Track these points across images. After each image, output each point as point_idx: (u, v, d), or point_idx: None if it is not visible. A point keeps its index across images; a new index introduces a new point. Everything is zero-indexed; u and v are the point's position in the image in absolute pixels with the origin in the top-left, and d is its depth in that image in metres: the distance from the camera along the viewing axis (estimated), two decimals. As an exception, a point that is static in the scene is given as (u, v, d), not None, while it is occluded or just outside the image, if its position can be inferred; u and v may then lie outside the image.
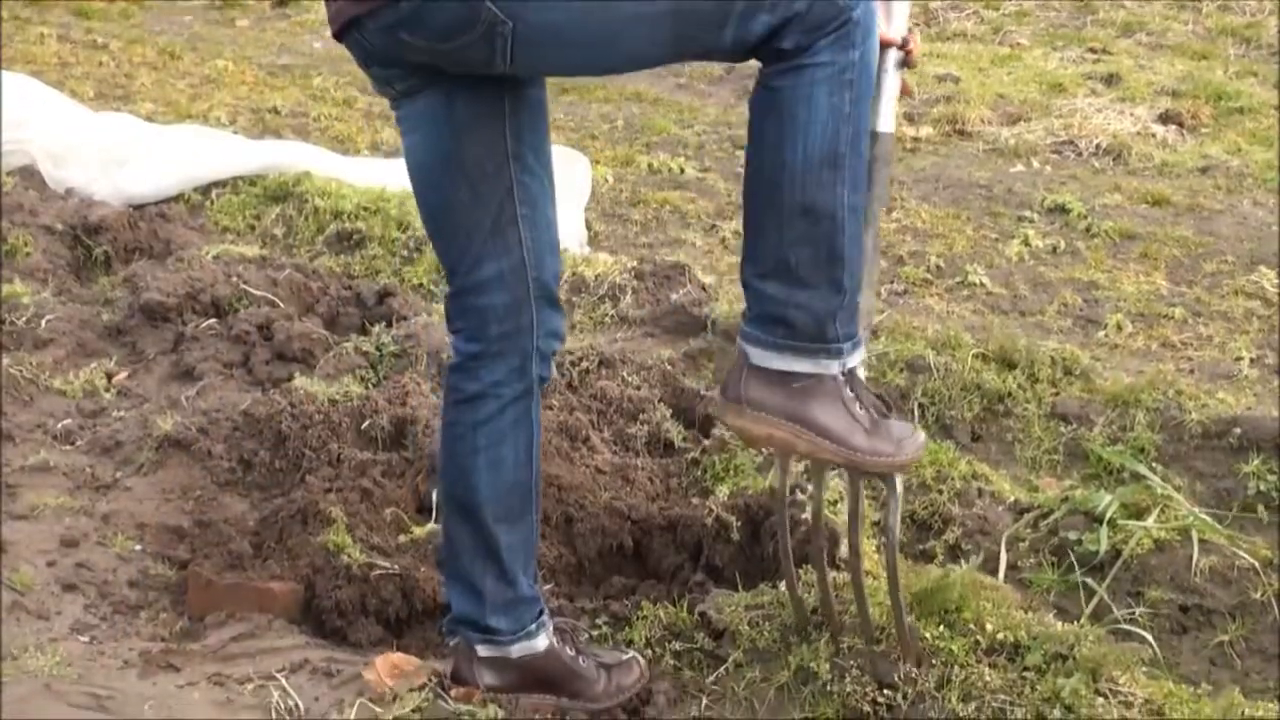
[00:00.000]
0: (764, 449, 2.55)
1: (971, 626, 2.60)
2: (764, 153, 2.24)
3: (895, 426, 2.39)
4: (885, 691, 2.52)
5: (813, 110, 2.17)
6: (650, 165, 6.66)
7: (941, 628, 2.59)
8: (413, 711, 2.57)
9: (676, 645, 2.90)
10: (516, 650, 2.64)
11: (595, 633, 3.00)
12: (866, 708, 2.52)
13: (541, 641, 2.66)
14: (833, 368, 2.31)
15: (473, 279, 2.42)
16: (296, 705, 2.64)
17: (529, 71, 2.29)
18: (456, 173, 2.34)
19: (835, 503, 3.26)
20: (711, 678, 2.78)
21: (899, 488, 2.44)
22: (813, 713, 2.59)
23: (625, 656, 2.77)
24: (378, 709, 2.58)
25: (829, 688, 2.58)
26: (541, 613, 2.67)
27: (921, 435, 2.42)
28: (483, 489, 2.52)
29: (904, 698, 2.50)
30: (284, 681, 2.70)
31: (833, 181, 2.21)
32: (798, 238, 2.23)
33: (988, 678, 2.49)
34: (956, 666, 2.52)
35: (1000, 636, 2.58)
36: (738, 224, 5.86)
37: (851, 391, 2.34)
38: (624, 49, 2.16)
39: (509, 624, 2.62)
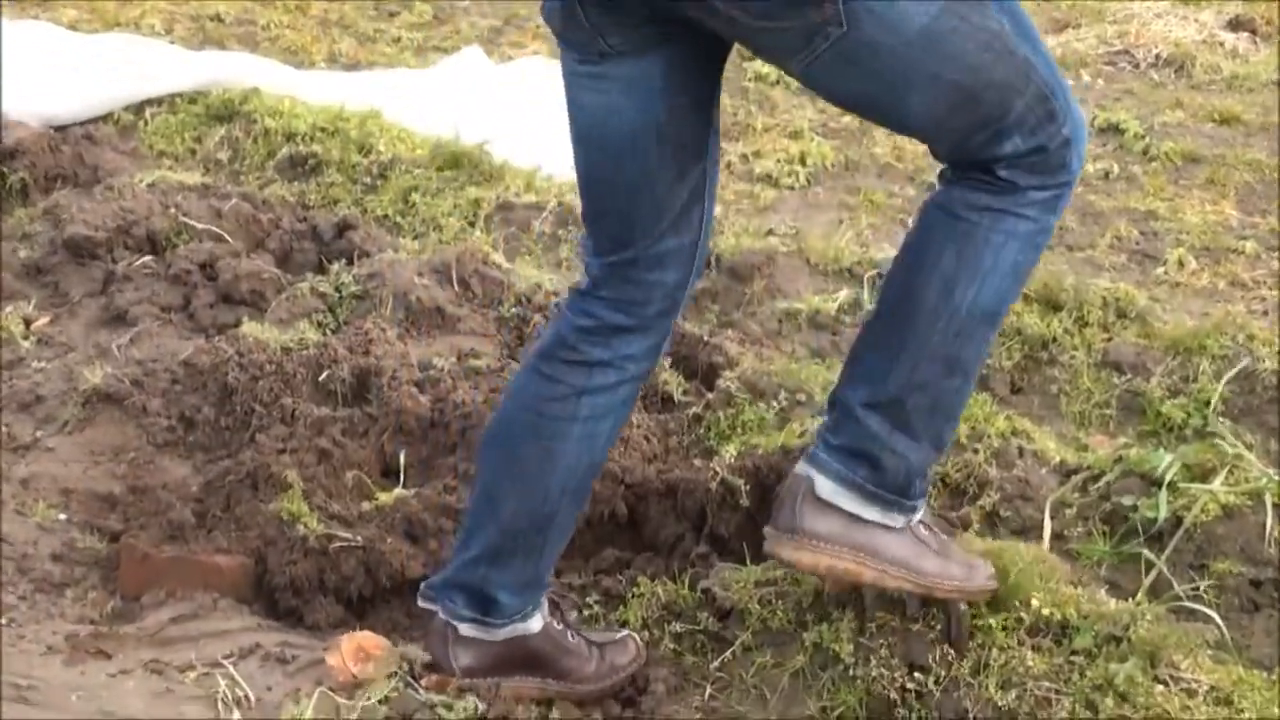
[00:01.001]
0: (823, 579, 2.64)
1: (1014, 603, 2.59)
2: (932, 281, 2.30)
3: (958, 549, 2.50)
4: (916, 675, 2.52)
5: (998, 262, 2.26)
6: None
7: (978, 605, 2.58)
8: (380, 703, 2.56)
9: (677, 626, 2.89)
10: (505, 632, 2.62)
11: (586, 613, 2.99)
12: (894, 694, 2.52)
13: (535, 623, 2.65)
14: (899, 522, 2.41)
15: (651, 252, 2.45)
16: (246, 696, 2.63)
17: (814, 82, 2.31)
18: (665, 145, 2.35)
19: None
20: (716, 663, 2.77)
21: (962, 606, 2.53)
22: (831, 701, 2.58)
23: (618, 635, 2.77)
24: (340, 700, 2.57)
25: (851, 672, 2.57)
26: (542, 593, 2.67)
27: (988, 565, 2.52)
28: (568, 458, 2.52)
29: (936, 682, 2.49)
30: (232, 669, 2.69)
31: (984, 339, 2.33)
32: (927, 381, 2.32)
33: (1030, 662, 2.48)
34: (995, 649, 2.51)
35: (1045, 615, 2.57)
36: (744, 146, 5.84)
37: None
38: (913, 103, 2.21)
39: (516, 603, 2.61)
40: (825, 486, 2.39)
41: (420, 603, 2.72)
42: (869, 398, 2.36)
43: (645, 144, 2.35)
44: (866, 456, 2.37)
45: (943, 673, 2.51)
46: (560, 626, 2.71)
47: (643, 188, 2.39)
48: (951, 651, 2.52)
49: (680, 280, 2.50)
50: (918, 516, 2.44)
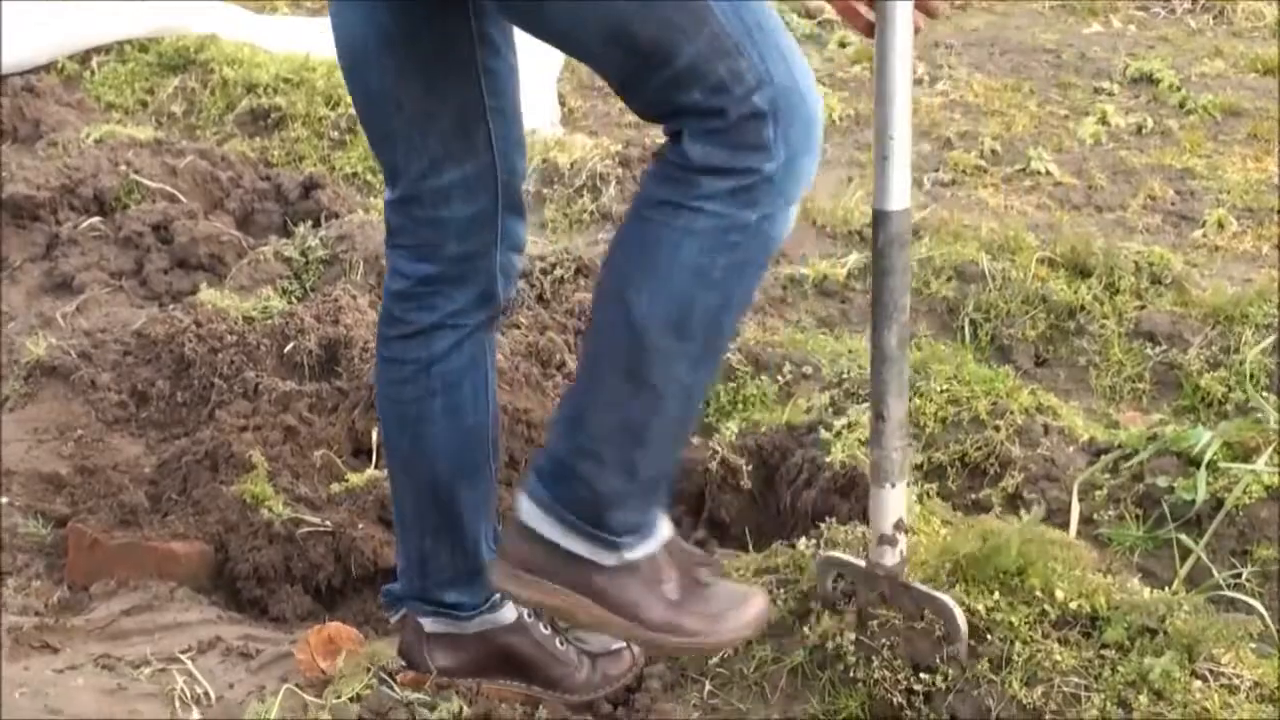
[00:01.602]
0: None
1: (1038, 594, 2.58)
2: (607, 287, 2.19)
3: (721, 593, 2.32)
4: (922, 676, 2.51)
5: (674, 264, 2.10)
6: (638, 25, 6.59)
7: (998, 596, 2.58)
8: (351, 700, 2.55)
9: (674, 618, 2.88)
10: (476, 624, 2.63)
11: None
12: (899, 698, 2.52)
13: (507, 613, 2.65)
14: (608, 559, 2.24)
15: (427, 185, 2.38)
16: (206, 693, 2.63)
17: None
18: (406, 56, 2.29)
19: (866, 442, 3.25)
20: (715, 659, 2.77)
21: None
22: (833, 705, 2.58)
23: (614, 645, 2.76)
24: (308, 697, 2.57)
25: (853, 673, 2.58)
26: None
27: (757, 605, 2.34)
28: (440, 438, 2.51)
29: (945, 680, 2.49)
30: (190, 664, 2.68)
31: (679, 355, 2.14)
32: (609, 399, 2.17)
33: (1058, 656, 2.48)
34: (1019, 643, 2.50)
35: (1074, 606, 2.57)
36: (747, 98, 5.84)
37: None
38: (561, 23, 2.09)
39: (471, 597, 2.61)
40: (526, 509, 2.25)
41: (387, 611, 2.74)
42: (562, 409, 2.26)
43: (376, 53, 2.29)
44: (558, 478, 2.23)
45: (954, 672, 2.50)
46: (547, 631, 2.70)
47: (389, 106, 2.33)
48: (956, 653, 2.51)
49: (479, 214, 2.40)
50: (633, 555, 2.26)
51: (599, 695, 2.71)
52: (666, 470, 2.26)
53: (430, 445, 2.51)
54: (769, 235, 2.12)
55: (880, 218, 2.33)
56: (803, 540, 2.87)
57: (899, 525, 2.47)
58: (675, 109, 2.07)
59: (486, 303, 2.47)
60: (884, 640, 2.56)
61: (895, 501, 2.45)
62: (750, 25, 2.04)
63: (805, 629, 2.66)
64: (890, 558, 2.49)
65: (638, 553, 2.26)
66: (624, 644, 2.78)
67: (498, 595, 2.63)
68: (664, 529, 2.31)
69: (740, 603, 2.32)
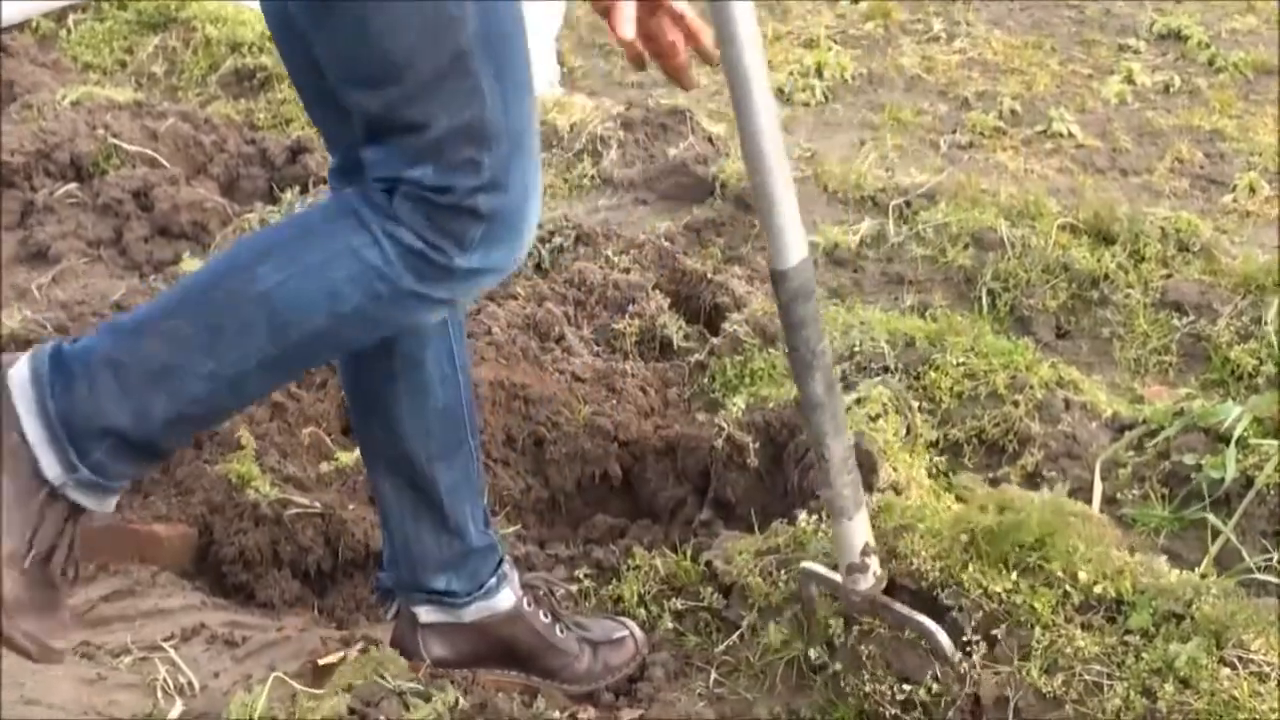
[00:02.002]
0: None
1: (1059, 574, 2.58)
2: (260, 240, 2.20)
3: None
4: (913, 690, 2.52)
5: (324, 269, 2.11)
6: (641, -20, 6.57)
7: (1016, 577, 2.58)
8: (342, 690, 2.55)
9: (678, 603, 2.89)
10: (471, 612, 2.64)
11: (575, 588, 2.99)
12: (891, 710, 2.53)
13: (504, 599, 2.65)
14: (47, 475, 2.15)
15: (357, 156, 2.36)
16: (190, 683, 2.63)
17: None
18: (293, 31, 2.24)
19: (877, 418, 3.25)
20: (721, 646, 2.77)
21: None
22: (828, 715, 2.60)
23: (617, 634, 2.76)
24: (296, 686, 2.57)
25: (842, 683, 2.59)
26: (501, 562, 2.66)
27: None
28: (406, 421, 2.51)
29: (929, 693, 2.50)
30: (173, 653, 2.68)
31: (254, 341, 2.13)
32: (174, 332, 2.14)
33: (1080, 643, 2.48)
34: (1039, 628, 2.50)
35: (1097, 590, 2.57)
36: (755, 57, 5.82)
37: None
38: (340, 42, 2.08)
39: (462, 583, 2.62)
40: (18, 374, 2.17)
41: (380, 602, 2.75)
42: (120, 317, 2.21)
43: (285, 20, 2.26)
44: (72, 373, 2.16)
45: (944, 687, 2.51)
46: (547, 619, 2.70)
47: (309, 73, 2.30)
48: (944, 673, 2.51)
49: None
50: (71, 480, 2.17)
51: (600, 685, 2.72)
52: (155, 431, 2.16)
53: (400, 429, 2.51)
54: (407, 313, 2.15)
55: (778, 277, 2.30)
56: (803, 515, 2.87)
57: (866, 550, 2.49)
58: (399, 176, 2.08)
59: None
60: (870, 649, 2.57)
61: (857, 532, 2.47)
62: (515, 128, 2.06)
63: (802, 632, 2.67)
64: (864, 582, 2.50)
65: (81, 495, 2.18)
66: (627, 631, 2.78)
67: (492, 580, 2.64)
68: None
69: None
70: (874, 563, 2.49)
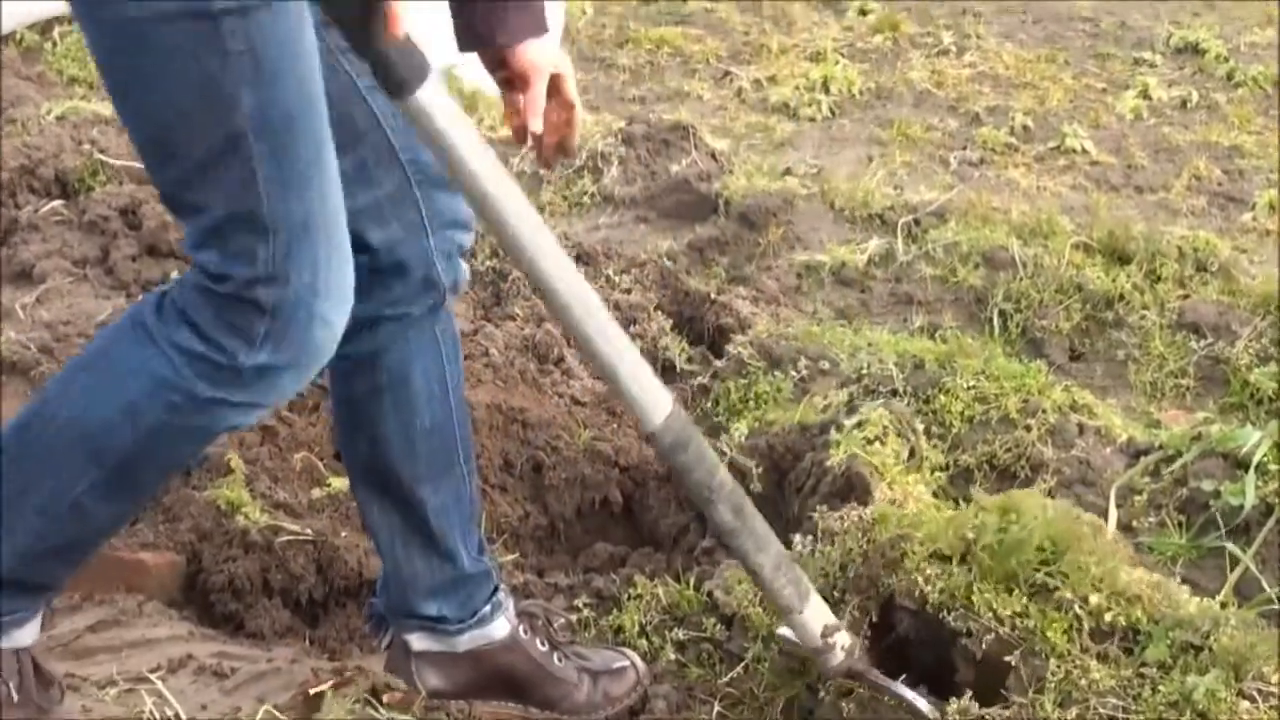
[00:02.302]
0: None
1: (1069, 596, 2.58)
2: (72, 362, 2.27)
3: None
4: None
5: (119, 389, 2.15)
6: (642, -8, 6.60)
7: (1025, 599, 2.57)
8: (333, 723, 2.56)
9: (680, 634, 2.89)
10: (466, 641, 2.64)
11: (575, 617, 2.99)
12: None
13: (499, 628, 2.66)
14: None
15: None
16: (177, 715, 2.62)
17: None
18: None
19: (874, 440, 3.25)
20: (726, 678, 2.77)
21: None
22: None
23: (618, 663, 2.76)
24: (284, 719, 2.57)
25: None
26: (497, 590, 2.67)
27: None
28: (393, 440, 2.53)
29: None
30: (159, 684, 2.67)
31: (78, 468, 2.19)
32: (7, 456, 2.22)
33: (1095, 674, 2.48)
34: (1053, 658, 2.50)
35: (1109, 618, 2.57)
36: (757, 70, 5.84)
37: None
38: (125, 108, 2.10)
39: (454, 610, 2.62)
40: None
41: (372, 631, 2.76)
42: None
43: None
44: None
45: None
46: (545, 648, 2.71)
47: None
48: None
49: (390, 197, 2.42)
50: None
51: (601, 716, 2.71)
52: (19, 567, 2.25)
53: (386, 447, 2.54)
54: (214, 420, 2.17)
55: (649, 438, 2.31)
56: (797, 536, 2.87)
57: (827, 633, 2.48)
58: (189, 253, 2.10)
59: (427, 289, 2.47)
60: (849, 709, 2.57)
61: (811, 621, 2.47)
62: (295, 219, 2.05)
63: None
64: (834, 660, 2.50)
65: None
66: (628, 662, 2.78)
67: (486, 608, 2.64)
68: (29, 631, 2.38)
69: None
70: (840, 638, 2.48)
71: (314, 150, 2.07)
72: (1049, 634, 2.53)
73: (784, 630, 2.62)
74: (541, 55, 2.38)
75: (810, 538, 2.84)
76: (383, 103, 2.36)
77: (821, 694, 2.63)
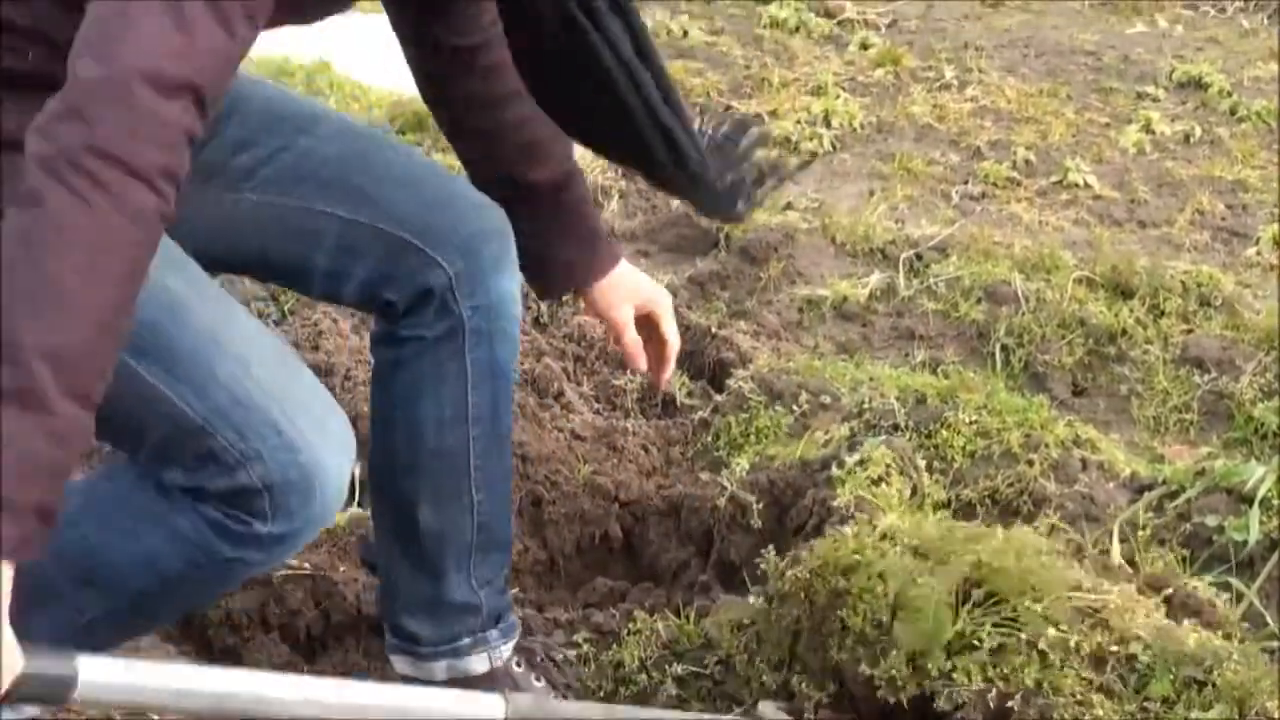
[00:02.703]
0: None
1: (1061, 630, 2.59)
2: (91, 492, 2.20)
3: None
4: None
5: (139, 546, 2.12)
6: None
7: (1013, 636, 2.57)
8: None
9: (679, 669, 2.88)
10: (442, 669, 2.63)
11: (574, 653, 2.99)
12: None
13: (477, 663, 2.66)
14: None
15: (317, 292, 2.53)
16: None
17: None
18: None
19: (879, 481, 3.25)
20: (729, 717, 2.77)
21: None
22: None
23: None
24: (282, 754, 2.57)
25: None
26: (484, 629, 2.66)
27: None
28: (400, 454, 2.55)
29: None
30: None
31: (90, 600, 2.17)
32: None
33: (1098, 710, 2.48)
34: (1053, 693, 2.50)
35: (1114, 650, 2.57)
36: (758, 105, 5.85)
37: None
38: None
39: (430, 631, 2.62)
40: None
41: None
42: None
43: None
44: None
45: None
46: (541, 683, 2.70)
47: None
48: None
49: (381, 270, 2.46)
50: None
51: None
52: None
53: (394, 459, 2.56)
54: (237, 574, 2.18)
55: None
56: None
57: None
58: (165, 479, 2.10)
59: (441, 316, 2.48)
60: None
61: None
62: (223, 403, 2.03)
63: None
64: None
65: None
66: None
67: (466, 640, 2.62)
68: None
69: None
70: None
71: (202, 334, 2.05)
72: (1048, 681, 2.52)
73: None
74: (617, 295, 2.52)
75: (803, 569, 2.81)
76: (312, 190, 2.41)
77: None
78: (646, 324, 2.59)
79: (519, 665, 2.69)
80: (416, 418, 2.53)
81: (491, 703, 2.19)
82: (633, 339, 2.55)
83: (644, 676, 2.88)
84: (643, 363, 2.57)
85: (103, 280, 1.70)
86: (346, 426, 2.14)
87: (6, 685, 1.77)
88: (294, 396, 2.09)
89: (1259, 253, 4.81)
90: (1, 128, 1.91)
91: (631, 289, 2.56)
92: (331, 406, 2.14)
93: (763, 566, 2.85)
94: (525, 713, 2.22)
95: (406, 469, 2.56)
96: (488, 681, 2.65)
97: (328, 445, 2.09)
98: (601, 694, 2.88)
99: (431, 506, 2.57)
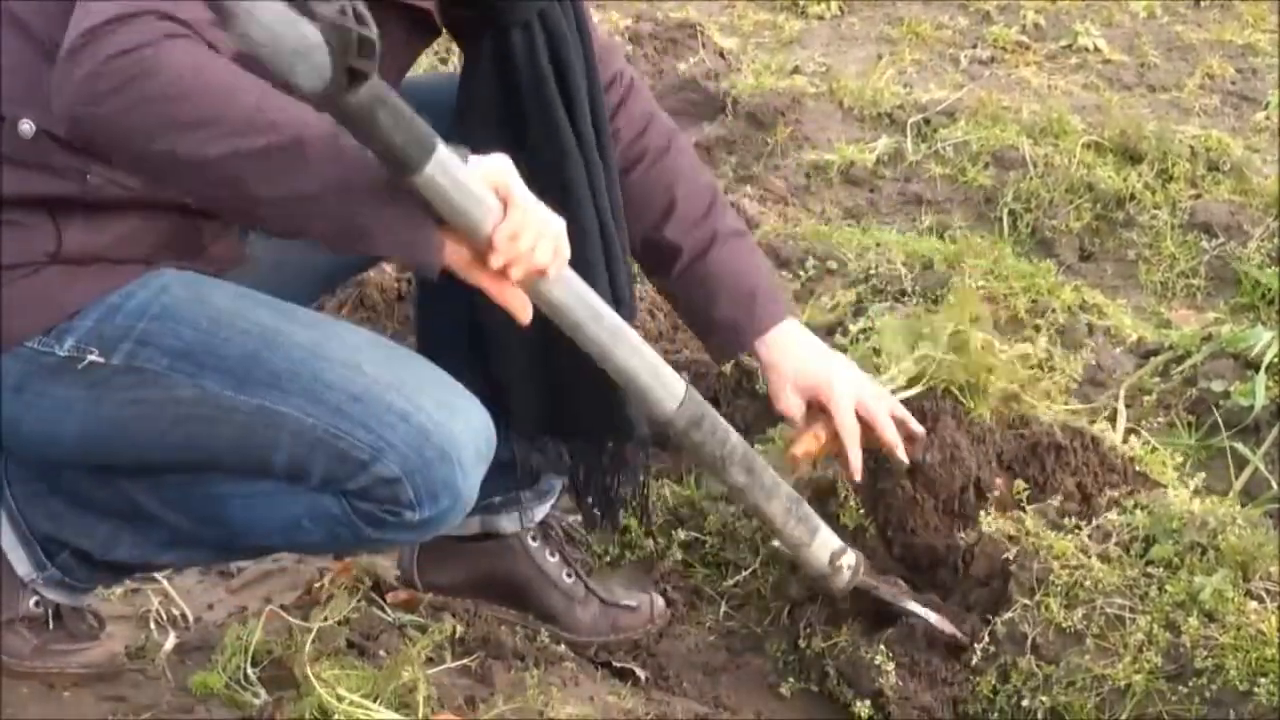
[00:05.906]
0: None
1: (1064, 502, 2.61)
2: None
3: None
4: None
5: (281, 507, 2.14)
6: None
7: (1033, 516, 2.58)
8: (340, 624, 2.54)
9: (682, 534, 2.88)
10: (473, 525, 2.58)
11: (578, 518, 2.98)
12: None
13: (507, 522, 2.62)
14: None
15: None
16: (183, 614, 2.63)
17: None
18: None
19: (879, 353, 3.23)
20: (731, 581, 2.78)
21: None
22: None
23: (632, 600, 2.72)
24: (293, 620, 2.56)
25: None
26: (522, 488, 2.60)
27: None
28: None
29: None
30: (165, 584, 2.68)
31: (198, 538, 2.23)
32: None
33: (1099, 574, 2.47)
34: (1056, 563, 2.49)
35: (1115, 519, 2.56)
36: (768, -33, 5.76)
37: None
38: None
39: None
40: None
41: None
42: None
43: None
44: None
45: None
46: (554, 558, 2.67)
47: None
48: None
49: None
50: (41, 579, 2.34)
51: (599, 640, 2.66)
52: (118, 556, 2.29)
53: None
54: (374, 543, 2.22)
55: (663, 425, 2.28)
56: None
57: (834, 557, 2.46)
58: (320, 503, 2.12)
59: None
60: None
61: (819, 551, 2.45)
62: (340, 403, 2.04)
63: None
64: (841, 579, 2.48)
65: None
66: (647, 598, 2.72)
67: (498, 498, 2.58)
68: None
69: None
70: (847, 559, 2.47)
71: (302, 350, 2.07)
72: (1056, 546, 2.51)
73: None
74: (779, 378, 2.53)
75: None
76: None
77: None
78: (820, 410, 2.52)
79: (533, 538, 2.65)
80: None
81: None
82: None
83: (650, 541, 2.88)
84: (798, 448, 2.51)
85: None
86: (474, 402, 2.12)
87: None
88: (412, 382, 2.08)
89: (1268, 117, 4.77)
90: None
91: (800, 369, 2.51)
92: (456, 386, 2.12)
93: (771, 432, 2.83)
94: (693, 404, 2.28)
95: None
96: (514, 550, 2.65)
97: (456, 421, 2.08)
98: (608, 559, 2.88)
99: None
